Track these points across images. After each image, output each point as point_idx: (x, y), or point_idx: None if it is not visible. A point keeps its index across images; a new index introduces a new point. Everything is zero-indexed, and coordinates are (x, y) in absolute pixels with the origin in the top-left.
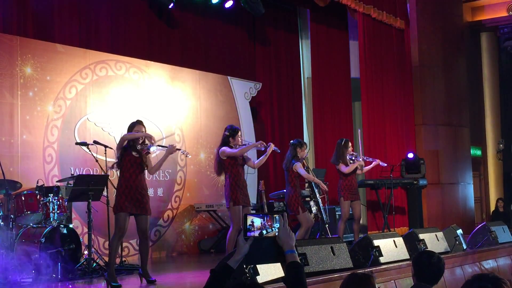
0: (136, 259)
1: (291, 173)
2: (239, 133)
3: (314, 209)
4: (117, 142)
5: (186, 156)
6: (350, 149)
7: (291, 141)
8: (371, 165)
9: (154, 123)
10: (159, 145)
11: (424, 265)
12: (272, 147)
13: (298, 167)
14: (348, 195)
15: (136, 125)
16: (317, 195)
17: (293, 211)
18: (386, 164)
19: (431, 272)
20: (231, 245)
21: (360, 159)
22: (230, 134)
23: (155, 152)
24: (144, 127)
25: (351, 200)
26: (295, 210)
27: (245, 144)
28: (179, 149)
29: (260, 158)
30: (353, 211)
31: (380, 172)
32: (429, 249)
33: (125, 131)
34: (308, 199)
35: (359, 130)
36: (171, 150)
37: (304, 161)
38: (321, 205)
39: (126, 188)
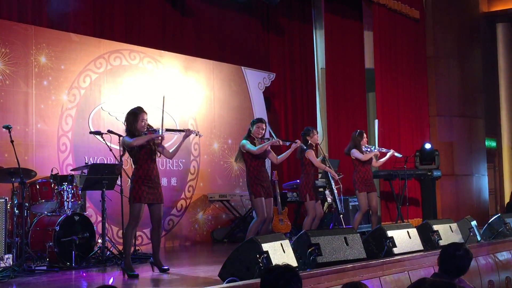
0: (150, 248)
1: (304, 161)
2: (259, 124)
3: (329, 199)
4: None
5: (199, 136)
6: (364, 140)
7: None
8: (386, 157)
9: (167, 112)
10: (168, 130)
11: (448, 257)
12: (298, 143)
13: (310, 155)
14: (363, 187)
15: (140, 114)
16: (333, 185)
17: (301, 198)
18: (401, 155)
19: (453, 264)
20: (251, 235)
21: (376, 151)
22: (251, 124)
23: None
24: (146, 114)
25: (367, 192)
26: (303, 197)
27: (267, 138)
28: (194, 131)
29: (284, 153)
30: (369, 203)
31: (394, 163)
32: (442, 240)
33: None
34: (322, 189)
35: (376, 121)
36: (188, 133)
37: (320, 148)
38: (336, 195)
39: (141, 178)
